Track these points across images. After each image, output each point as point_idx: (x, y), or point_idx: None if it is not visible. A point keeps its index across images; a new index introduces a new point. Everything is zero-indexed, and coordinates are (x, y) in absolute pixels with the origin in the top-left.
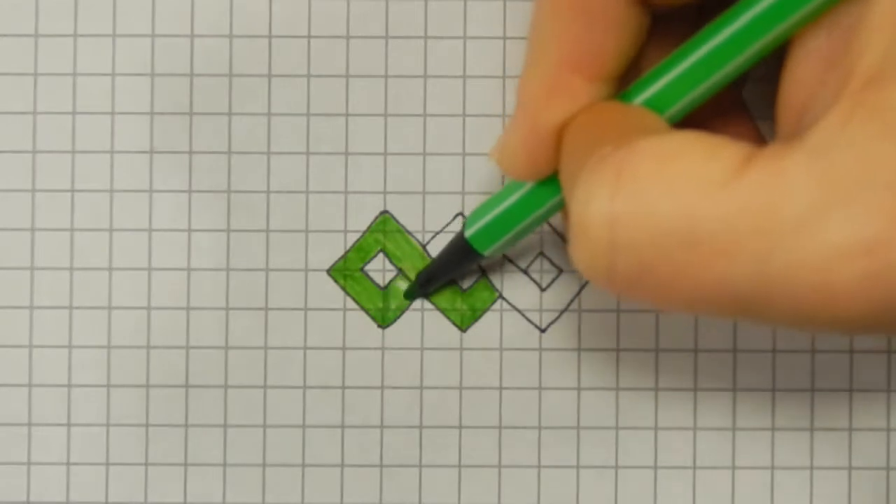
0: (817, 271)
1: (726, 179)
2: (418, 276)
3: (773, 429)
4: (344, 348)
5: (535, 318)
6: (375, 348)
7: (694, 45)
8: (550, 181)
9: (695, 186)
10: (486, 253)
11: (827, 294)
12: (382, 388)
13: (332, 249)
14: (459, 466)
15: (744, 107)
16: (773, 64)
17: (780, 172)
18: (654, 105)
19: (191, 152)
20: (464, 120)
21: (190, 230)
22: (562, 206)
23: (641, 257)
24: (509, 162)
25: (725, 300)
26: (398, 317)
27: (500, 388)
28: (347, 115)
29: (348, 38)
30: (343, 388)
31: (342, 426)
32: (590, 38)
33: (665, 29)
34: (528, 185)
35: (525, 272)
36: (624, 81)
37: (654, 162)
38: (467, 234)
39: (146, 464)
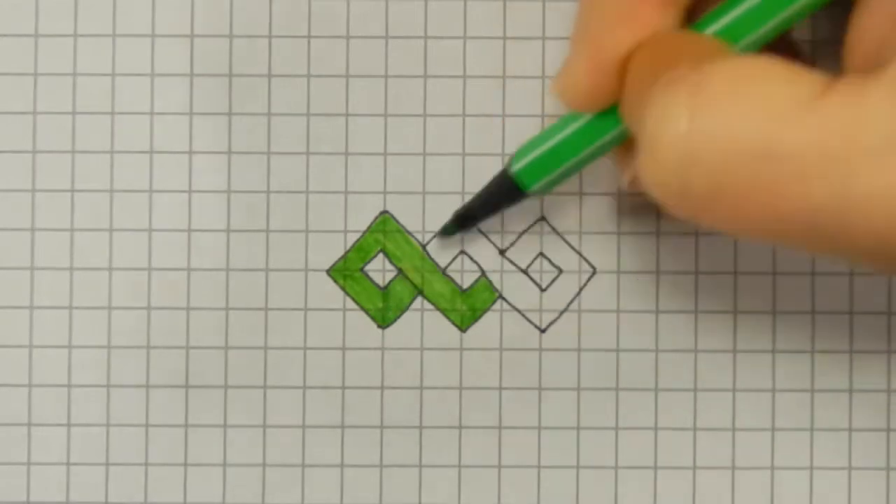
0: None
1: (807, 104)
2: (456, 213)
3: (773, 429)
4: (344, 348)
5: (535, 318)
6: (375, 348)
7: None
8: (608, 114)
9: (774, 109)
10: (531, 190)
11: None
12: (382, 388)
13: (332, 249)
14: (459, 466)
15: (800, 49)
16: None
17: (861, 100)
18: (727, 36)
19: (191, 152)
20: (464, 120)
21: (190, 230)
22: (618, 142)
23: (717, 177)
24: (572, 91)
25: (800, 225)
26: (398, 317)
27: (500, 388)
28: (347, 115)
29: (348, 38)
30: (343, 388)
31: (342, 426)
32: None
33: None
34: (585, 118)
35: (525, 272)
36: (691, 13)
37: (732, 83)
38: (515, 168)
39: (146, 464)
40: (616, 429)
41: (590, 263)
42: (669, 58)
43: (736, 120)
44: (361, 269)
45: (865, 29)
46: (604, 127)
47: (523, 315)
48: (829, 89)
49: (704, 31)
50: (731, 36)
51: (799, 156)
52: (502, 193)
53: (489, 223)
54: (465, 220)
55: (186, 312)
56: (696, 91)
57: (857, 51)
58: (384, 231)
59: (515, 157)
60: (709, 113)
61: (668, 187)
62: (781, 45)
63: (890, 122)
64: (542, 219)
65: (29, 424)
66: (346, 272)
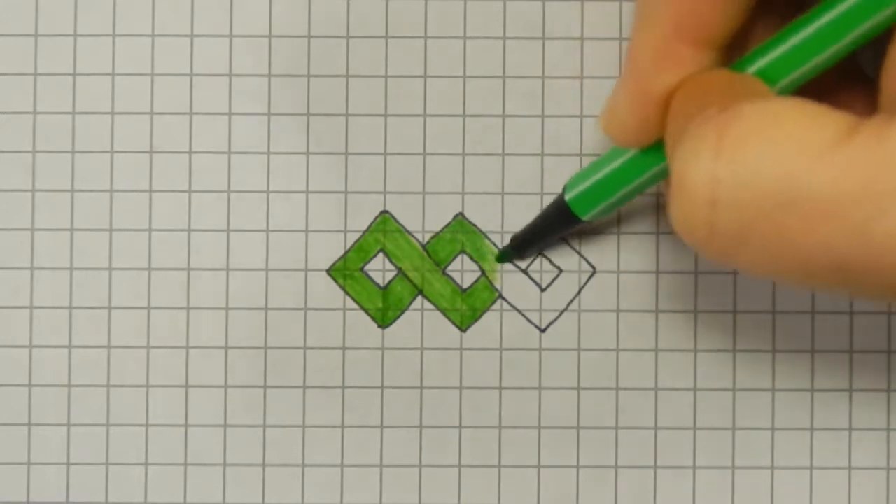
0: None
1: (832, 145)
2: (513, 238)
3: (773, 429)
4: (344, 348)
5: (535, 318)
6: (375, 348)
7: (809, 18)
8: (655, 148)
9: (799, 150)
10: (586, 218)
11: None
12: (382, 388)
13: (332, 249)
14: (459, 466)
15: (860, 70)
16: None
17: (884, 141)
18: (766, 76)
19: (190, 152)
20: (464, 120)
21: (190, 230)
22: (665, 175)
23: (741, 219)
24: (618, 128)
25: (823, 266)
26: (398, 317)
27: (500, 388)
28: (347, 115)
29: (348, 38)
30: (343, 388)
31: (342, 426)
32: (700, 6)
33: (772, 3)
34: (633, 151)
35: (525, 272)
36: (729, 53)
37: (758, 124)
38: (567, 197)
39: (146, 464)
40: (616, 429)
41: (590, 263)
42: (703, 97)
43: (760, 163)
44: (361, 269)
45: None
46: (650, 161)
47: (523, 315)
48: (855, 131)
49: (744, 71)
50: (769, 76)
51: (823, 197)
52: (559, 220)
53: (489, 223)
54: (522, 245)
55: (186, 312)
56: (723, 132)
57: (890, 89)
58: (384, 231)
59: (568, 185)
60: (735, 155)
61: (693, 228)
62: (847, 70)
63: None
64: None
65: (29, 424)
66: (346, 272)
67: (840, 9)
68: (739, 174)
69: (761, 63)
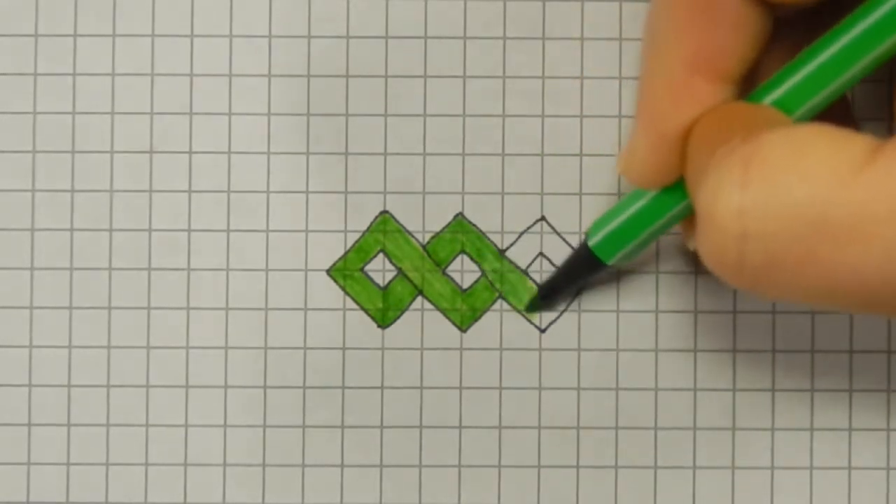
0: None
1: (857, 168)
2: (540, 288)
3: (773, 429)
4: (344, 348)
5: (535, 318)
6: (375, 348)
7: (822, 46)
8: (675, 187)
9: (826, 175)
10: (611, 262)
11: None
12: (382, 388)
13: (332, 249)
14: (459, 466)
15: (849, 108)
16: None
17: None
18: (783, 106)
19: (191, 152)
20: (464, 120)
21: (190, 230)
22: (687, 213)
23: (771, 246)
24: (638, 171)
25: (855, 289)
26: (398, 317)
27: (500, 388)
28: (347, 115)
29: (349, 38)
30: (343, 388)
31: (342, 426)
32: (714, 40)
33: (782, 34)
34: (653, 193)
35: (525, 272)
36: (743, 85)
37: (783, 152)
38: (591, 243)
39: (146, 464)
40: (616, 429)
41: None
42: (724, 130)
43: (788, 190)
44: (361, 269)
45: None
46: (671, 201)
47: (523, 315)
48: (877, 152)
49: (761, 102)
50: (786, 105)
51: (851, 220)
52: (584, 266)
53: (489, 223)
54: (550, 294)
55: (186, 312)
56: (747, 163)
57: None
58: (384, 231)
59: (590, 231)
60: (761, 185)
61: (724, 260)
62: (835, 106)
63: None
64: (542, 219)
65: (29, 424)
66: (346, 272)
67: (851, 35)
68: (768, 204)
69: (777, 93)
